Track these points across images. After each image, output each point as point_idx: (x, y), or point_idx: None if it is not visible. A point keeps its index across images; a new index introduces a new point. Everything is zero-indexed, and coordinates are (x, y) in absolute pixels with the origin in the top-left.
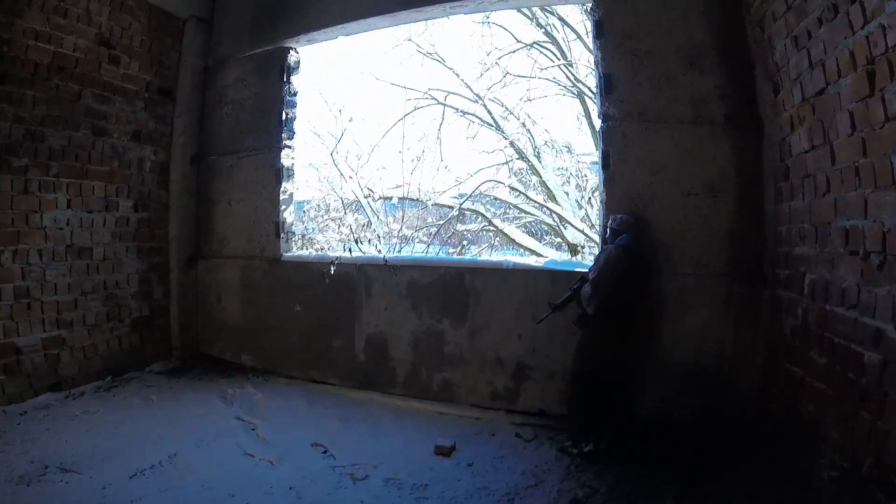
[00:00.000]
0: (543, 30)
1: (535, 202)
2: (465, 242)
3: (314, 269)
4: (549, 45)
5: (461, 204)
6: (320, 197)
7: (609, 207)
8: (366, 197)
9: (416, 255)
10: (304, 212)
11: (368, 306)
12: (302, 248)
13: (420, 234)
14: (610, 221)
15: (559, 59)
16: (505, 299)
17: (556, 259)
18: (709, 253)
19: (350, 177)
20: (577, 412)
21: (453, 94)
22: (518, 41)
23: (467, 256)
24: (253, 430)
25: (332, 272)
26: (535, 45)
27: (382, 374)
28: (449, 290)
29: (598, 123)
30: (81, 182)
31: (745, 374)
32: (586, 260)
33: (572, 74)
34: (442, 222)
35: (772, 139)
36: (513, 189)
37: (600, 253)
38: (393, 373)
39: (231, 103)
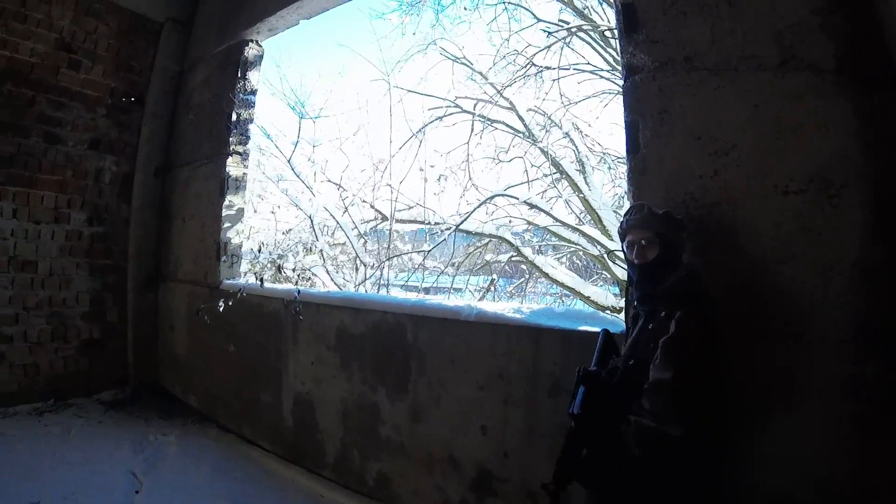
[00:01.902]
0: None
1: (569, 225)
2: (493, 277)
3: (246, 303)
4: (591, 32)
5: (458, 225)
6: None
7: None
8: (366, 221)
9: (348, 292)
10: (282, 235)
11: (295, 357)
12: (273, 279)
13: (440, 264)
14: (633, 232)
15: (603, 48)
16: (462, 369)
17: (553, 308)
18: (823, 301)
19: (349, 197)
20: None
21: (483, 101)
22: (552, 26)
23: (411, 297)
24: (136, 491)
25: (261, 307)
26: (575, 32)
27: (310, 447)
28: (385, 345)
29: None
30: (29, 191)
31: None
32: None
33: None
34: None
35: None
36: (531, 206)
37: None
38: (322, 448)
39: (195, 108)
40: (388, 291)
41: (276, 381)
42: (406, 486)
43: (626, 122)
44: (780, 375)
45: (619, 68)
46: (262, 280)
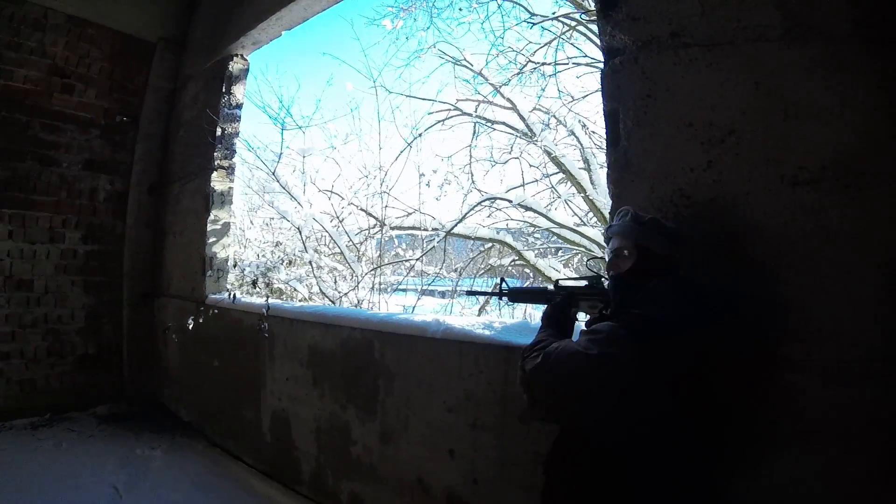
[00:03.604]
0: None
1: (567, 227)
2: (498, 280)
3: (229, 318)
4: (589, 25)
5: (450, 230)
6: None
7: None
8: (369, 229)
9: (319, 306)
10: (272, 248)
11: (272, 373)
12: (265, 293)
13: (443, 269)
14: (614, 239)
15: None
16: (428, 389)
17: (529, 322)
18: (842, 315)
19: (343, 206)
20: None
21: (485, 101)
22: (546, 21)
23: (380, 313)
24: None
25: (241, 322)
26: (575, 26)
27: (287, 465)
28: (354, 363)
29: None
30: (25, 213)
31: None
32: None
33: None
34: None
35: None
36: (527, 209)
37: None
38: (298, 466)
39: (185, 125)
40: (382, 298)
41: (256, 396)
42: None
43: (605, 111)
44: (786, 405)
45: None
46: (234, 296)
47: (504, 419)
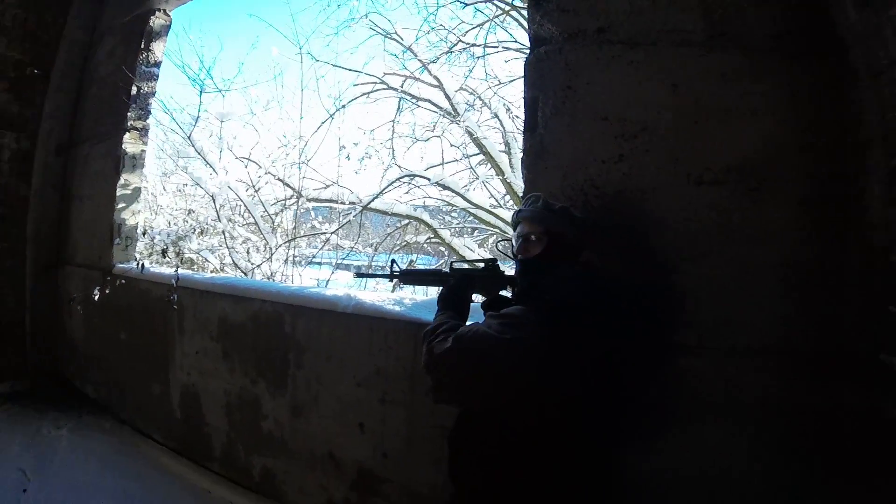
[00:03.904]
0: None
1: (483, 208)
2: (413, 257)
3: (137, 289)
4: (522, 11)
5: (366, 205)
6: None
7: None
8: (286, 199)
9: (230, 278)
10: (184, 215)
11: (181, 346)
12: (177, 263)
13: (359, 244)
14: (523, 224)
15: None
16: (338, 364)
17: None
18: (739, 306)
19: (260, 175)
20: None
21: (412, 77)
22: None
23: (292, 285)
24: (24, 490)
25: (149, 293)
26: (508, 11)
27: (198, 440)
28: (265, 336)
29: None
30: None
31: None
32: None
33: None
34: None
35: (878, 64)
36: (444, 188)
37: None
38: (209, 442)
39: (99, 81)
40: (296, 271)
41: (164, 371)
42: (291, 483)
43: (525, 98)
44: (684, 387)
45: None
46: (142, 265)
47: (412, 394)
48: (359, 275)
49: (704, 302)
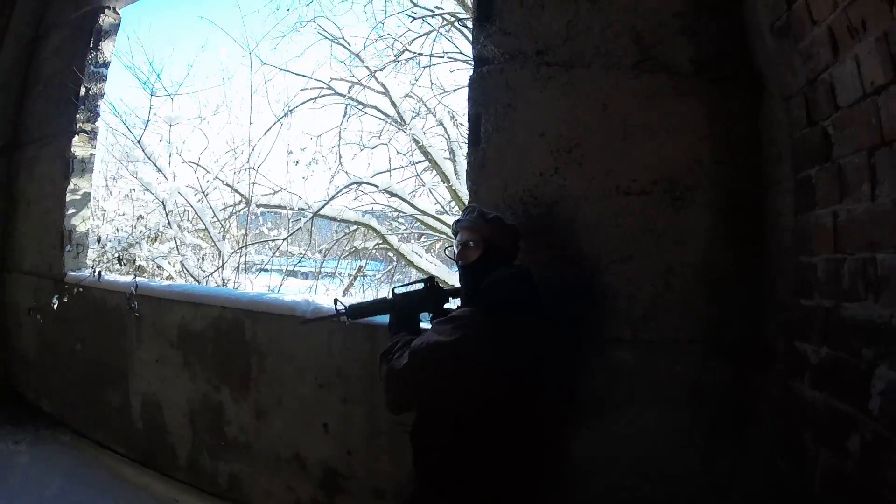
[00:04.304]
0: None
1: (429, 214)
2: (361, 263)
3: (92, 298)
4: (468, 23)
5: (317, 211)
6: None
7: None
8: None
9: (188, 285)
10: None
11: (139, 355)
12: (127, 270)
13: (308, 250)
14: (473, 226)
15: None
16: (299, 367)
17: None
18: (663, 303)
19: (208, 180)
20: None
21: (359, 83)
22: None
23: (250, 292)
24: None
25: (104, 302)
26: (452, 21)
27: (162, 450)
28: (226, 343)
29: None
30: None
31: None
32: None
33: None
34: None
35: (786, 90)
36: (392, 195)
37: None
38: (173, 451)
39: (44, 80)
40: (248, 278)
41: (123, 381)
42: (258, 487)
43: (469, 114)
44: (616, 377)
45: None
46: (99, 273)
47: (372, 393)
48: (304, 322)
49: (634, 299)
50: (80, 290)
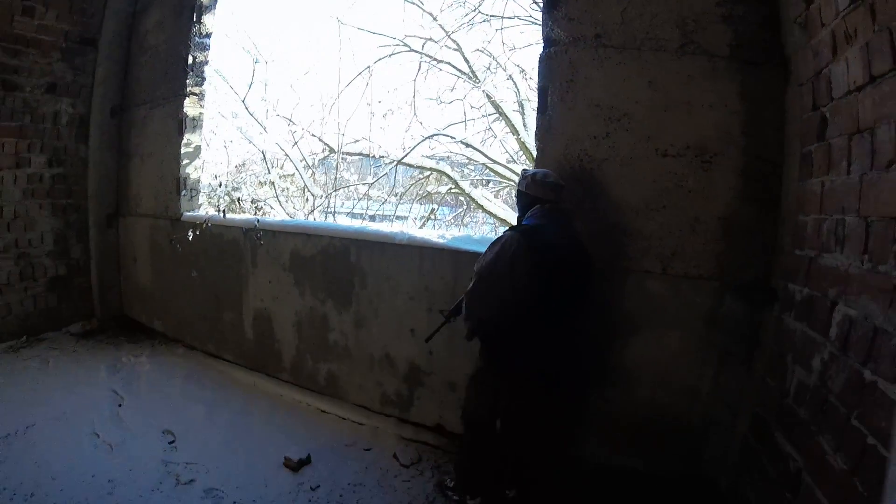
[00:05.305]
0: None
1: (500, 163)
2: (434, 206)
3: (210, 233)
4: None
5: (401, 159)
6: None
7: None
8: (315, 154)
9: (301, 220)
10: (235, 168)
11: (254, 278)
12: (228, 210)
13: (385, 193)
14: (521, 181)
15: None
16: (395, 284)
17: (471, 236)
18: (689, 245)
19: (298, 132)
20: (465, 461)
21: (432, 40)
22: None
23: (356, 224)
24: (119, 405)
25: (222, 236)
26: None
27: (269, 356)
28: (333, 265)
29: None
30: None
31: (720, 439)
32: None
33: None
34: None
35: (800, 77)
36: (467, 145)
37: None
38: (279, 356)
39: (150, 50)
40: (335, 219)
41: (238, 300)
42: (353, 383)
43: (538, 87)
44: (646, 302)
45: None
46: (223, 211)
47: (452, 304)
48: (428, 339)
49: (665, 240)
50: (196, 226)
